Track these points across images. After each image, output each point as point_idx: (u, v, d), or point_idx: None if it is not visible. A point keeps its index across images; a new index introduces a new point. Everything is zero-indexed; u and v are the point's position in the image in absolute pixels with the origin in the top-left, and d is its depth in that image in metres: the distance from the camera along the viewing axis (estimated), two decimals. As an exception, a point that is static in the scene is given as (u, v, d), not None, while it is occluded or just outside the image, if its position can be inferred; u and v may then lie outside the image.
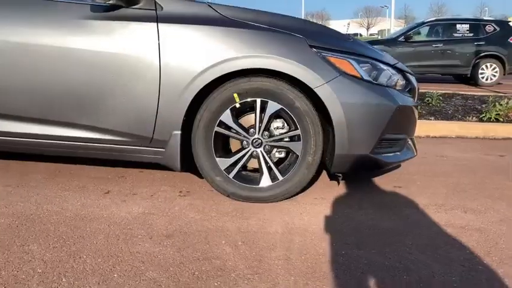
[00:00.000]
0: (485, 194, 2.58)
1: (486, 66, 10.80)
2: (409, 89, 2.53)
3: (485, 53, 10.77)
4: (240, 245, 1.82)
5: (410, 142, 2.65)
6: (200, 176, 2.40)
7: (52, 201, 2.23)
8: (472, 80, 10.92)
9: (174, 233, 1.91)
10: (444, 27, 11.47)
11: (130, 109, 2.21)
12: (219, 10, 2.26)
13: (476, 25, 11.18)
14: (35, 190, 2.38)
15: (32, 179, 2.55)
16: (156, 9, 2.21)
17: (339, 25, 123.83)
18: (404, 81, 2.47)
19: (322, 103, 2.16)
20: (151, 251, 1.73)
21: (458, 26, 11.24)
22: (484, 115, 4.72)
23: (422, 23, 11.98)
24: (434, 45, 11.11)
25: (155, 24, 2.18)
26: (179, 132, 2.23)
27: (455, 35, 11.14)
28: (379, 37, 58.89)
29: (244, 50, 2.15)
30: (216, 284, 1.51)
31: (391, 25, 26.84)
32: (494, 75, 10.80)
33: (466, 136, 4.35)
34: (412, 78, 2.59)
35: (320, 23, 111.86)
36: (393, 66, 2.41)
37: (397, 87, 2.39)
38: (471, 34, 11.05)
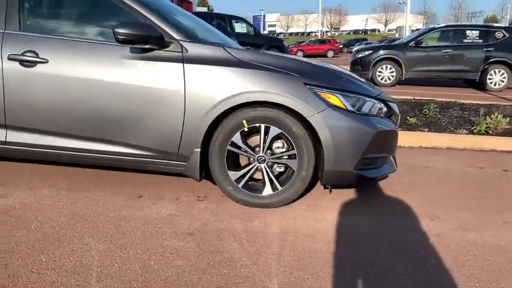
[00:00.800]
0: (453, 205, 3.07)
1: (494, 72, 11.13)
2: (390, 114, 3.03)
3: (494, 59, 11.08)
4: (245, 242, 2.36)
5: (391, 158, 3.15)
6: (215, 183, 2.95)
7: (97, 203, 2.81)
8: (480, 84, 11.25)
9: (194, 231, 2.47)
10: (454, 33, 11.79)
11: (161, 131, 2.77)
12: (231, 53, 2.80)
13: (485, 31, 11.50)
14: (82, 193, 2.96)
15: (79, 184, 3.14)
16: (182, 52, 2.75)
17: (357, 20, 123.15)
18: (386, 109, 2.97)
19: (314, 129, 2.69)
20: (177, 245, 2.28)
21: (468, 32, 11.56)
22: (475, 127, 5.16)
23: (433, 29, 12.32)
24: (444, 51, 11.47)
25: (181, 64, 2.73)
26: (199, 149, 2.78)
27: (465, 40, 11.47)
28: (397, 34, 58.55)
29: (251, 86, 2.68)
30: (225, 271, 2.06)
31: (406, 23, 26.73)
32: (503, 81, 11.11)
33: (456, 147, 4.80)
34: (394, 106, 3.09)
35: (338, 18, 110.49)
36: (376, 98, 2.91)
37: (380, 115, 2.90)
38: (480, 40, 11.37)
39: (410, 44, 11.73)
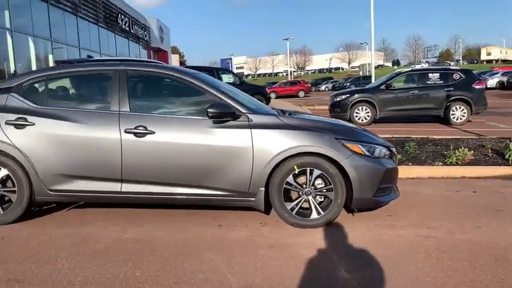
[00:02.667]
0: (442, 218, 4.28)
1: (456, 108, 12.75)
2: (391, 156, 4.26)
3: (455, 97, 12.73)
4: (310, 248, 3.49)
5: (395, 187, 4.37)
6: (265, 214, 4.08)
7: (200, 232, 3.88)
8: (445, 119, 12.84)
9: (272, 245, 3.58)
10: (419, 76, 13.55)
11: (236, 177, 3.91)
12: (282, 119, 4.02)
13: (445, 74, 13.27)
14: (178, 226, 4.04)
15: (173, 219, 4.21)
16: (249, 121, 3.94)
17: (321, 59, 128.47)
18: (389, 153, 4.21)
19: (344, 169, 3.88)
20: (267, 253, 3.39)
21: (430, 75, 13.31)
22: (447, 160, 6.49)
23: (400, 73, 14.05)
24: (411, 92, 13.10)
25: (249, 129, 3.91)
26: (263, 188, 3.92)
27: (428, 82, 13.16)
28: (361, 72, 61.85)
29: (299, 142, 3.88)
30: (296, 262, 3.17)
31: (372, 61, 28.76)
32: (463, 116, 12.73)
33: (434, 177, 6.09)
34: (393, 149, 4.33)
35: (303, 58, 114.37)
36: (382, 145, 4.17)
37: (386, 157, 4.13)
38: (441, 81, 13.08)
39: (381, 87, 13.35)
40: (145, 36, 33.91)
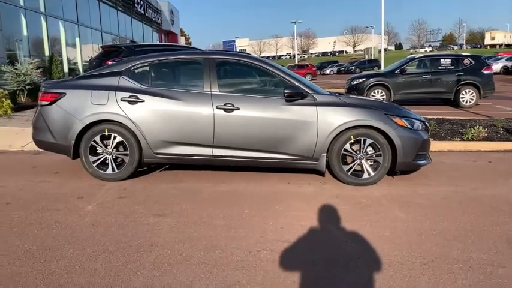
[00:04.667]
0: (465, 179, 5.29)
1: (465, 92, 13.68)
2: (426, 129, 5.26)
3: (465, 82, 13.66)
4: (366, 199, 4.50)
5: (428, 154, 5.37)
6: (323, 175, 5.09)
7: (275, 187, 4.89)
8: (454, 102, 13.80)
9: (337, 196, 4.59)
10: (431, 61, 14.43)
11: (303, 144, 4.90)
12: (341, 98, 5.00)
13: (456, 59, 14.16)
14: (254, 182, 5.05)
15: (248, 178, 5.22)
16: (314, 100, 4.92)
17: (325, 42, 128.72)
18: (424, 126, 5.20)
19: (391, 139, 4.88)
20: (334, 201, 4.40)
21: (442, 60, 14.19)
22: (464, 136, 7.48)
23: (413, 58, 14.95)
24: (424, 76, 14.02)
25: (315, 107, 4.89)
26: (325, 154, 4.93)
27: (440, 67, 14.06)
28: (366, 56, 62.41)
29: (355, 117, 4.86)
30: (361, 207, 4.19)
31: (381, 45, 29.67)
32: (472, 99, 13.67)
33: (454, 150, 7.10)
34: (427, 124, 5.32)
35: (307, 41, 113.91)
36: (419, 120, 5.16)
37: (422, 130, 5.13)
38: (452, 67, 13.98)
39: (396, 72, 14.25)
40: (158, 19, 34.62)
